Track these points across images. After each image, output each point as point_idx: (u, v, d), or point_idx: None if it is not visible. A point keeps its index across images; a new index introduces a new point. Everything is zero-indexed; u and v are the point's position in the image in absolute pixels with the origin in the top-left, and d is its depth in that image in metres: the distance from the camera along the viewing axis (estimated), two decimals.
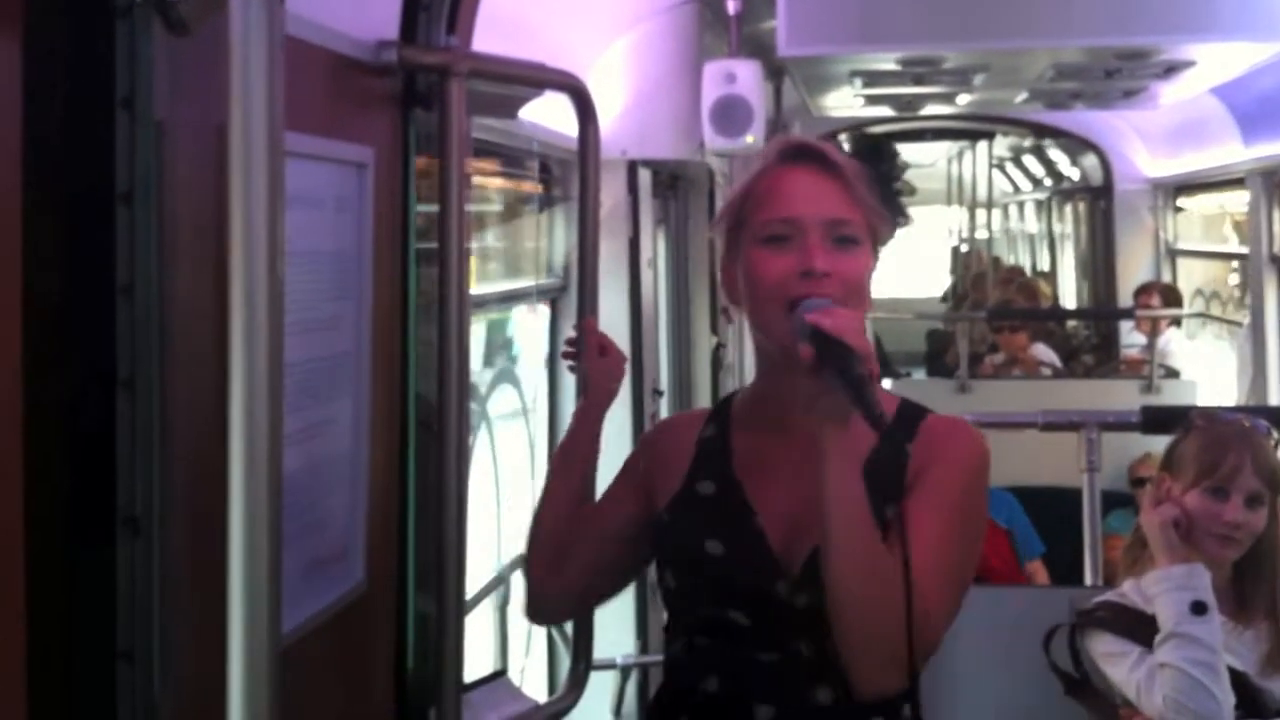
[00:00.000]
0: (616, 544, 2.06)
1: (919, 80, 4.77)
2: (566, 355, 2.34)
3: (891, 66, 4.45)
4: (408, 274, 1.92)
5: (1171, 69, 4.62)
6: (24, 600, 1.11)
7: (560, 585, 2.07)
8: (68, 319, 1.22)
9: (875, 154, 8.41)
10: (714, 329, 5.43)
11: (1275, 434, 2.94)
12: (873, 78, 4.75)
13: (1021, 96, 5.45)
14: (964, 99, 5.52)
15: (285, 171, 1.07)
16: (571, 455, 2.17)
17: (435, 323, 1.90)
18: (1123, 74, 4.70)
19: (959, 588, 1.88)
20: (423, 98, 1.93)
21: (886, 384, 7.97)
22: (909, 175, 15.29)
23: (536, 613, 2.14)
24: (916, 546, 1.70)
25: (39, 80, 1.17)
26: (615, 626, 3.94)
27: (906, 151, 13.49)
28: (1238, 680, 2.54)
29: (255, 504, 1.00)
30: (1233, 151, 6.22)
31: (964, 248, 13.02)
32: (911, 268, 15.49)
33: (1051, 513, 5.92)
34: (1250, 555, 2.68)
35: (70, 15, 1.21)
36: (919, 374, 10.68)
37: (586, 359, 2.26)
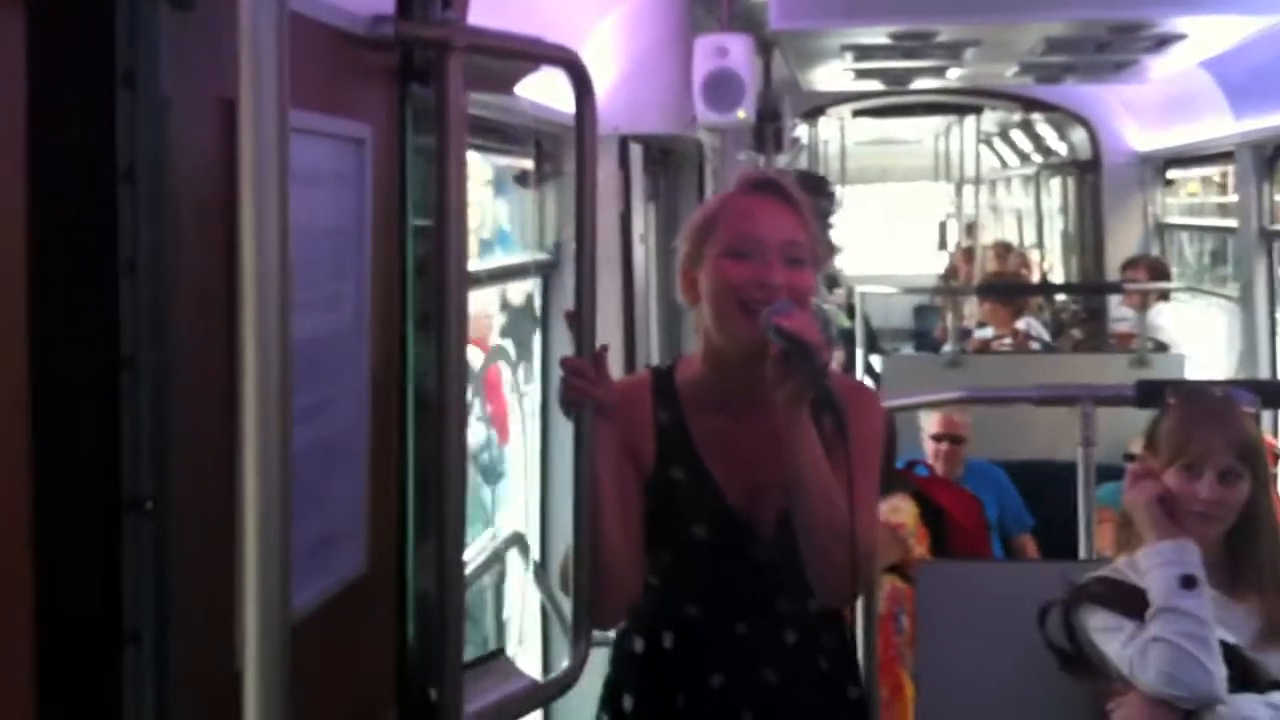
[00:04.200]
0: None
1: (910, 54, 4.76)
2: (577, 393, 2.18)
3: (883, 40, 4.44)
4: (405, 252, 1.90)
5: (1163, 42, 4.62)
6: (31, 583, 1.10)
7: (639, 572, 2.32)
8: (71, 298, 1.20)
9: (816, 189, 8.61)
10: None
11: (1256, 408, 2.95)
12: (864, 52, 4.74)
13: (1012, 70, 5.45)
14: (954, 73, 5.52)
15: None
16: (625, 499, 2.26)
17: (433, 300, 1.89)
18: (1114, 47, 4.70)
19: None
20: (418, 73, 1.91)
21: (875, 360, 7.99)
22: (896, 151, 15.30)
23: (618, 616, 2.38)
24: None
25: (40, 57, 1.16)
26: None
27: (894, 128, 13.49)
28: (1230, 653, 2.55)
29: (268, 484, 0.99)
30: (1222, 125, 6.22)
31: (951, 223, 13.02)
32: (898, 244, 15.49)
33: (1040, 486, 5.93)
34: (1239, 528, 2.69)
35: None
36: (907, 349, 10.68)
37: (601, 388, 2.19)
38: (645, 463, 2.31)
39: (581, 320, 2.18)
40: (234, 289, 1.27)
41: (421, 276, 1.91)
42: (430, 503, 1.86)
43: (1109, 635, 2.66)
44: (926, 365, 7.08)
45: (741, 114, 4.09)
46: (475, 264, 3.74)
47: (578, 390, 2.16)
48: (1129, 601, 2.65)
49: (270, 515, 0.98)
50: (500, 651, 2.08)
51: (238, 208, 0.99)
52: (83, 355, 1.21)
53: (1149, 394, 3.00)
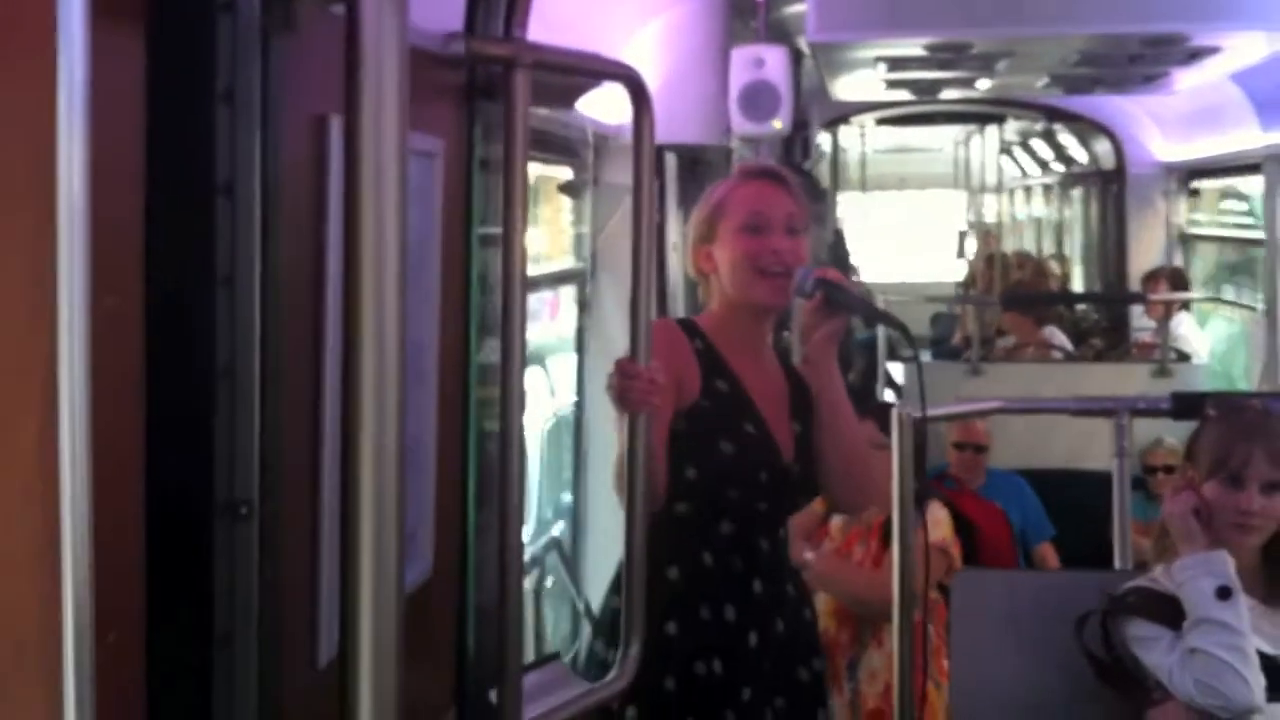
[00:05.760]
0: None
1: (943, 65, 4.78)
2: (638, 399, 2.37)
3: (918, 51, 4.46)
4: (469, 262, 1.94)
5: (1195, 55, 4.64)
6: (143, 587, 1.13)
7: None
8: (170, 309, 1.24)
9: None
10: None
11: None
12: (897, 63, 4.75)
13: (1043, 81, 5.46)
14: (984, 84, 5.53)
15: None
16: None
17: (494, 307, 1.92)
18: (1146, 60, 4.72)
19: None
20: (484, 89, 1.94)
21: (896, 368, 7.99)
22: (915, 159, 15.31)
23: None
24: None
25: (147, 75, 1.19)
26: None
27: (914, 136, 13.50)
28: (1268, 664, 2.57)
29: (383, 486, 1.02)
30: (1250, 137, 6.22)
31: (971, 232, 13.01)
32: (917, 252, 15.49)
33: (1060, 495, 5.95)
34: (1277, 539, 2.71)
35: (173, 9, 1.22)
36: (924, 357, 10.65)
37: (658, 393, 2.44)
38: (689, 390, 2.67)
39: (637, 324, 2.22)
40: (320, 299, 1.32)
41: (483, 285, 1.95)
42: (491, 508, 1.89)
43: (1147, 645, 2.68)
44: (948, 373, 7.07)
45: (778, 124, 4.13)
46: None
47: (639, 395, 2.35)
48: (1166, 611, 2.67)
49: (385, 522, 1.01)
50: (556, 655, 2.11)
51: (354, 224, 1.01)
52: (183, 365, 1.24)
53: (1185, 406, 3.02)
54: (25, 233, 0.97)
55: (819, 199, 8.37)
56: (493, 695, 1.86)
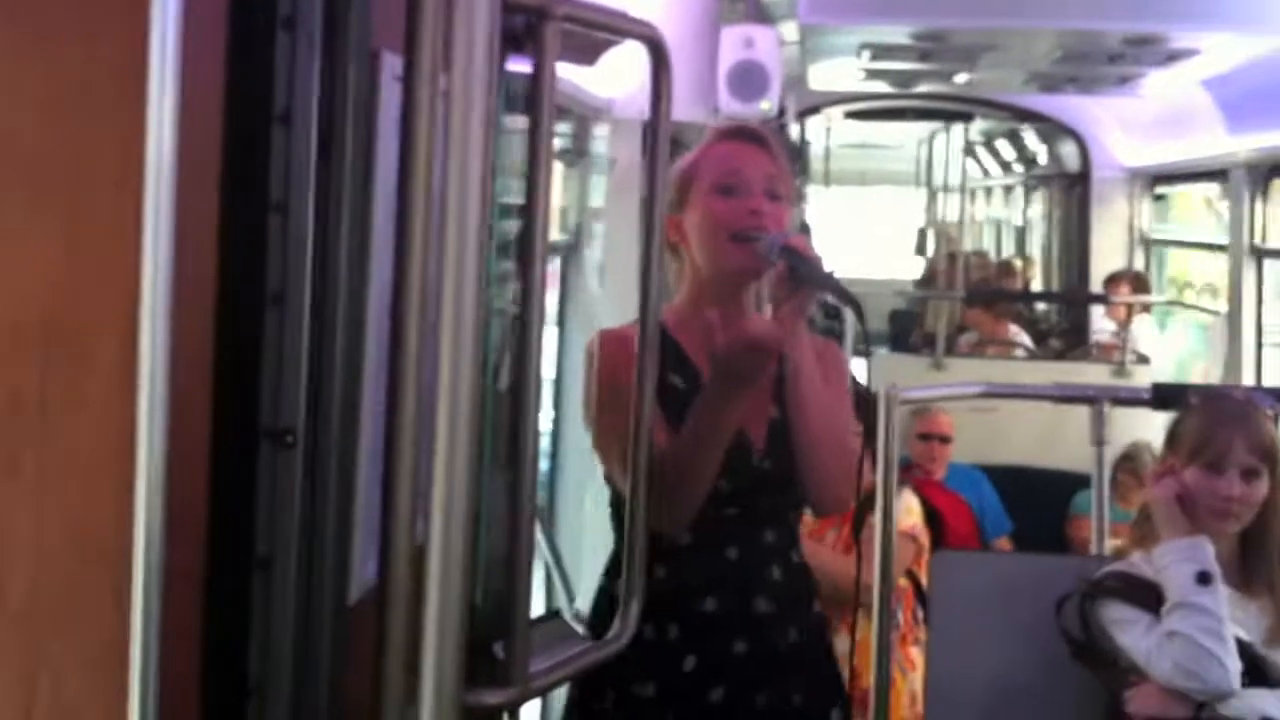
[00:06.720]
0: None
1: (925, 56, 4.82)
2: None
3: (903, 40, 4.50)
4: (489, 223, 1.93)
5: (1172, 57, 4.71)
6: (205, 510, 1.14)
7: None
8: (222, 235, 1.23)
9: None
10: None
11: (1277, 411, 3.03)
12: (881, 51, 4.79)
13: (1021, 78, 5.52)
14: (962, 78, 5.58)
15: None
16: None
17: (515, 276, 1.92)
18: (1125, 59, 4.78)
19: None
20: (508, 40, 1.93)
21: (860, 363, 8.04)
22: (877, 155, 15.39)
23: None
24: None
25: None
26: None
27: (877, 131, 13.57)
28: (1243, 650, 2.62)
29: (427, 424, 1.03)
30: (1217, 143, 6.31)
31: (931, 230, 13.11)
32: (877, 249, 15.60)
33: (1017, 491, 6.02)
34: (1254, 529, 2.75)
35: None
36: (882, 351, 10.73)
37: None
38: None
39: (648, 295, 2.21)
40: (366, 230, 1.32)
41: (500, 249, 1.94)
42: (502, 461, 1.89)
43: (1124, 627, 2.73)
44: (911, 367, 7.14)
45: (766, 105, 4.13)
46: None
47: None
48: (1144, 595, 2.72)
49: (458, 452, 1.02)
50: (557, 612, 2.11)
51: (408, 163, 1.01)
52: (234, 291, 1.24)
53: (1165, 397, 3.08)
54: (114, 160, 0.98)
55: (799, 173, 8.37)
56: (498, 648, 1.86)
